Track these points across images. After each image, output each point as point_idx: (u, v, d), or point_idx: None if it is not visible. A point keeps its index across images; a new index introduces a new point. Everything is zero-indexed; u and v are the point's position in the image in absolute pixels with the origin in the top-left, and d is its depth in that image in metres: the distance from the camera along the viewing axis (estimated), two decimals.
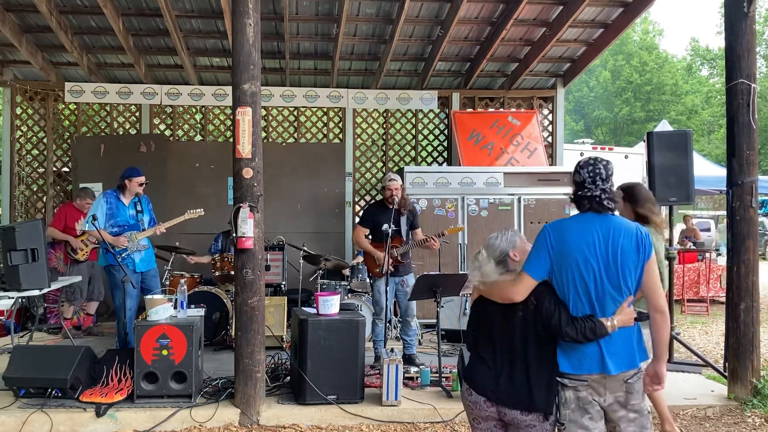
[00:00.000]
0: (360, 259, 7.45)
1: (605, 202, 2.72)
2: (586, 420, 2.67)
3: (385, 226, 5.87)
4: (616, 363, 2.65)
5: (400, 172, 8.11)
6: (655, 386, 2.74)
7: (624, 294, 2.68)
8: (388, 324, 6.14)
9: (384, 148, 9.62)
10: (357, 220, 9.42)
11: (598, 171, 2.73)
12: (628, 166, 11.75)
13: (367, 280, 6.73)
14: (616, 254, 2.66)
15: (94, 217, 5.84)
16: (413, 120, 9.62)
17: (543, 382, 2.67)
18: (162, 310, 4.77)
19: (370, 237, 6.14)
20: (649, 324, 2.73)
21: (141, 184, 6.14)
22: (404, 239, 6.04)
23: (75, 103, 9.13)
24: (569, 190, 7.84)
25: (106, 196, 6.10)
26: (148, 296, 5.08)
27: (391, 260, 5.84)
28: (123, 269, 5.67)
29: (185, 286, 5.21)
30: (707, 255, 11.14)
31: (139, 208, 6.19)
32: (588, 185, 2.73)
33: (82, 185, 8.05)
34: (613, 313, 2.66)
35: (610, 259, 2.66)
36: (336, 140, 9.44)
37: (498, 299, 2.75)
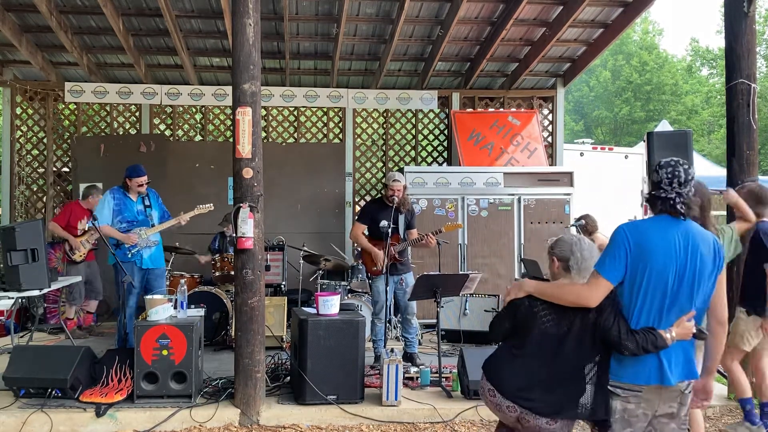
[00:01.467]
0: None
1: (678, 206, 2.60)
2: None
3: (384, 223, 5.88)
4: (675, 373, 2.59)
5: (400, 172, 8.11)
6: (703, 402, 2.70)
7: (692, 305, 2.60)
8: (388, 324, 6.14)
9: (384, 148, 9.62)
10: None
11: (677, 173, 2.63)
12: (628, 166, 11.74)
13: (366, 280, 6.73)
14: (695, 262, 2.57)
15: (95, 217, 5.86)
16: (413, 120, 9.62)
17: (599, 391, 2.60)
18: (162, 310, 4.77)
19: (366, 234, 6.15)
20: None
21: (140, 185, 6.11)
22: (401, 237, 6.05)
23: (75, 103, 9.13)
24: (569, 190, 7.94)
25: (112, 192, 6.12)
26: (148, 296, 5.08)
27: (389, 258, 5.85)
28: (122, 269, 5.67)
29: (185, 286, 5.21)
30: None
31: (147, 203, 6.19)
32: (664, 186, 2.64)
33: (88, 183, 7.96)
34: (671, 324, 2.57)
35: (688, 266, 2.56)
36: (336, 140, 9.44)
37: (568, 303, 2.62)
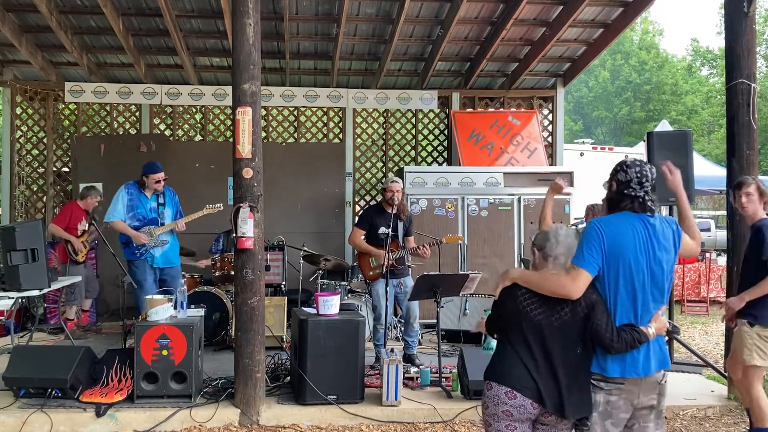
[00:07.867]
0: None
1: (648, 203, 2.71)
2: (608, 425, 2.64)
3: (383, 229, 5.89)
4: (652, 363, 2.67)
5: (400, 172, 8.10)
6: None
7: (664, 298, 2.70)
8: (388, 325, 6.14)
9: (384, 148, 9.62)
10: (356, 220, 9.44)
11: (645, 173, 2.73)
12: None
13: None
14: (663, 255, 2.67)
15: (93, 218, 5.88)
16: (413, 120, 9.62)
17: (587, 385, 2.64)
18: (162, 310, 4.77)
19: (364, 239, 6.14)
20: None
21: (157, 181, 6.09)
22: (400, 244, 6.04)
23: (75, 103, 9.12)
24: (569, 190, 7.91)
25: (127, 187, 6.10)
26: (148, 296, 5.08)
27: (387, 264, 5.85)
28: (122, 267, 5.66)
29: (185, 286, 5.21)
30: (707, 255, 11.14)
31: (161, 200, 6.16)
32: (634, 185, 2.72)
33: (87, 184, 7.90)
34: (650, 320, 2.66)
35: (658, 260, 2.66)
36: (336, 140, 9.44)
37: (548, 291, 2.62)
